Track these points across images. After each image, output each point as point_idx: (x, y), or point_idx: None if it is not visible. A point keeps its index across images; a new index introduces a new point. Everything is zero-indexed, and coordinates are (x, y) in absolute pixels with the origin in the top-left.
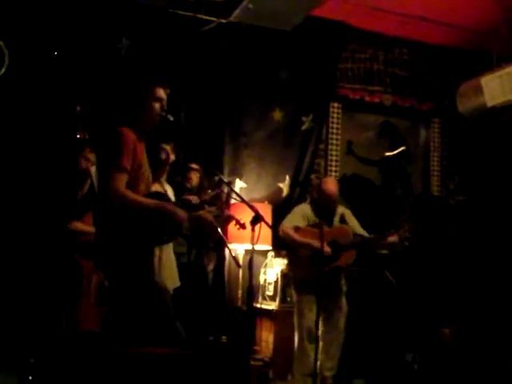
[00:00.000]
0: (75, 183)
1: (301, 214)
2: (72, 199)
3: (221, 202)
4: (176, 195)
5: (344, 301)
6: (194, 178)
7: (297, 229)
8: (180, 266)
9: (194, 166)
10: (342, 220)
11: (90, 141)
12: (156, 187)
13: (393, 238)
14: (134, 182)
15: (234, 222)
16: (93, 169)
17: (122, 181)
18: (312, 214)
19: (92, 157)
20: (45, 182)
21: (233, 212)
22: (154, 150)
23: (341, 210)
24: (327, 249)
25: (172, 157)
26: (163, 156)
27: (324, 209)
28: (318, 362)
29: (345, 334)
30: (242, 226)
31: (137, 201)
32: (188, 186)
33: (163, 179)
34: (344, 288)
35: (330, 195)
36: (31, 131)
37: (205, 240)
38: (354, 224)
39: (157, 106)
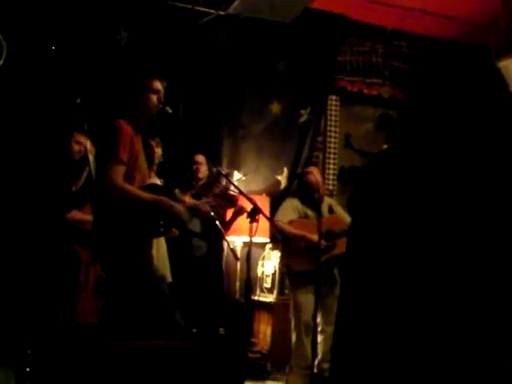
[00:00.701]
0: (70, 171)
1: (291, 208)
2: (68, 188)
3: (233, 194)
4: (183, 191)
5: (339, 291)
6: (202, 171)
7: (290, 222)
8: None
9: (199, 159)
10: (330, 210)
11: (80, 126)
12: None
13: None
14: (131, 174)
15: (245, 215)
16: (91, 157)
17: (118, 173)
18: (301, 206)
19: (83, 139)
20: (42, 173)
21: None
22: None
23: (327, 200)
24: (322, 241)
25: (158, 151)
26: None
27: (311, 200)
28: (319, 355)
29: None
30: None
31: (134, 193)
32: (196, 180)
33: (153, 173)
34: (338, 278)
35: (314, 184)
36: (30, 123)
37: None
38: (341, 213)
39: (154, 98)
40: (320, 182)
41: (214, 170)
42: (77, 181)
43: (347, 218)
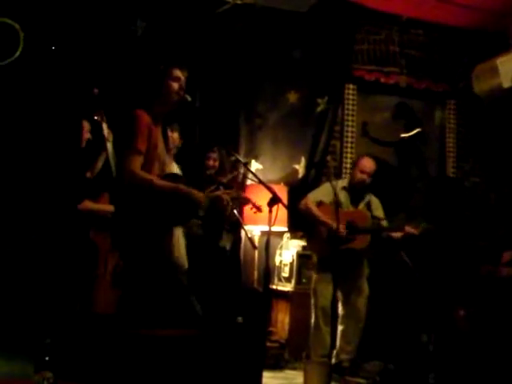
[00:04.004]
0: (83, 159)
1: (327, 191)
2: (82, 175)
3: (237, 185)
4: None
5: (365, 285)
6: (212, 165)
7: (320, 203)
8: (197, 247)
9: (212, 153)
10: (368, 205)
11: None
12: (170, 168)
13: (410, 230)
14: (149, 164)
15: (250, 205)
16: (109, 145)
17: (135, 162)
18: (341, 190)
19: (87, 125)
20: (56, 162)
21: (249, 193)
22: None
23: (370, 196)
24: (342, 229)
25: (174, 136)
26: None
27: (355, 188)
28: (337, 346)
29: (365, 319)
30: (258, 209)
31: (151, 182)
32: (207, 172)
33: (170, 159)
34: (366, 271)
35: (363, 171)
36: (46, 113)
37: (220, 221)
38: (379, 213)
39: (175, 85)
40: (370, 171)
41: (233, 158)
42: (92, 168)
43: (382, 220)
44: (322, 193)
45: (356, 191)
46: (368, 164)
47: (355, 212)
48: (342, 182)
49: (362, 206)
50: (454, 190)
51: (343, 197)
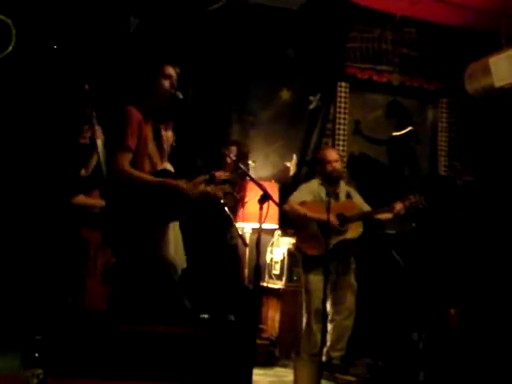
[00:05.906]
0: (77, 156)
1: (307, 191)
2: (75, 172)
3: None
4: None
5: (353, 279)
6: (229, 160)
7: (303, 203)
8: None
9: (232, 149)
10: (348, 196)
11: (88, 118)
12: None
13: (399, 206)
14: (140, 161)
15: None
16: (99, 143)
17: (125, 159)
18: (319, 189)
19: (88, 134)
20: (50, 158)
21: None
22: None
23: (345, 187)
24: (334, 220)
25: (167, 134)
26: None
27: (330, 183)
28: (328, 343)
29: (354, 314)
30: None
31: (139, 177)
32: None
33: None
34: (353, 265)
35: (332, 160)
36: (37, 109)
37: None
38: (359, 201)
39: (166, 83)
40: (338, 159)
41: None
42: (86, 165)
43: (365, 205)
44: (303, 193)
45: (331, 185)
46: (331, 153)
47: (341, 203)
48: (317, 181)
49: (342, 197)
50: (445, 189)
51: (323, 193)
